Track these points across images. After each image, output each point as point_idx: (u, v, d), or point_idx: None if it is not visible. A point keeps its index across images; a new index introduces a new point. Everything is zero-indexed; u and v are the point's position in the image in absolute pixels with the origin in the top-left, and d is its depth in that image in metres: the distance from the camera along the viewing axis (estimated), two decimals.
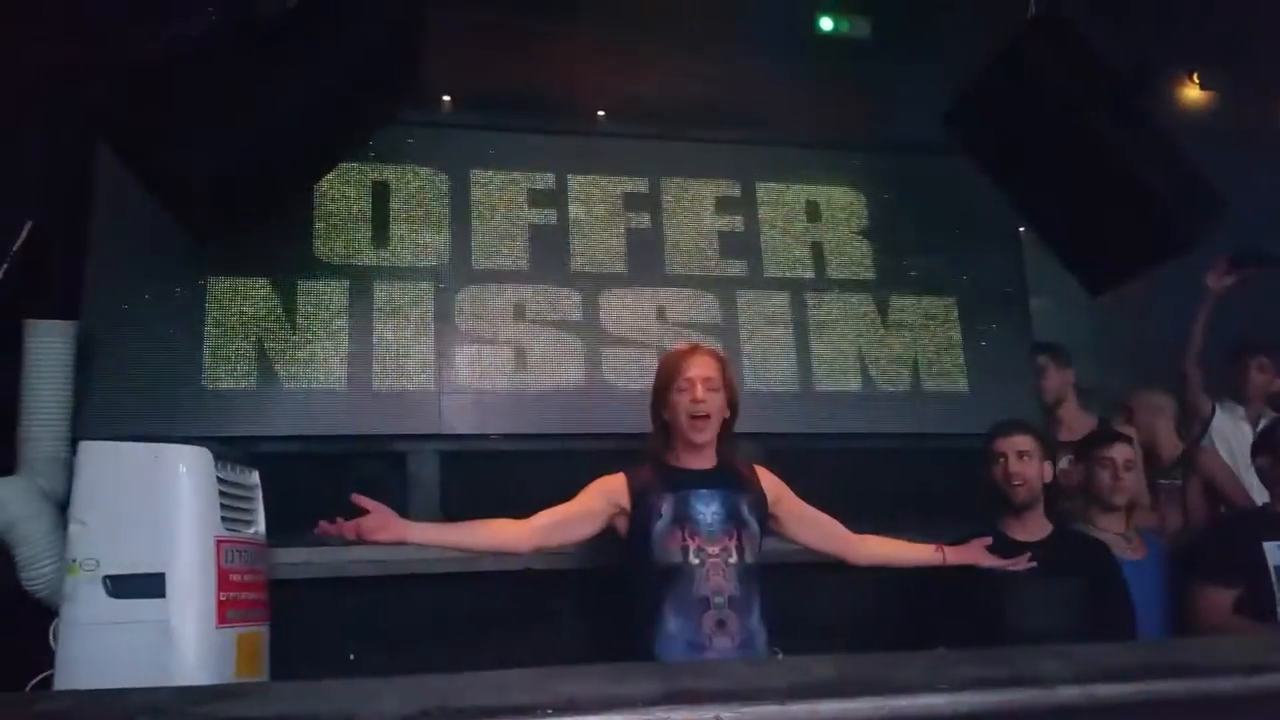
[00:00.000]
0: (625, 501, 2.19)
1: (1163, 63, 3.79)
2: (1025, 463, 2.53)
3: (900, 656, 1.22)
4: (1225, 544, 2.72)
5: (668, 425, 2.27)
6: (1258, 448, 2.87)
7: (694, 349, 2.32)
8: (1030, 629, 2.30)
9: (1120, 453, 2.76)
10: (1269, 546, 2.57)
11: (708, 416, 2.22)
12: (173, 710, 1.00)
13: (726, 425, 2.29)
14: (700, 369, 2.24)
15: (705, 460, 2.26)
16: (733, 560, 2.14)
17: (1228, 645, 1.48)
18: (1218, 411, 3.38)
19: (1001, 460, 2.54)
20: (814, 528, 2.34)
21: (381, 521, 1.94)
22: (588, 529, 2.19)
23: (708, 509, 2.17)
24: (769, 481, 2.32)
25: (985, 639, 2.23)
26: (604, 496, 2.20)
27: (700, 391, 2.22)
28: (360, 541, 1.94)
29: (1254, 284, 3.31)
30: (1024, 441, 2.55)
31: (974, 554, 2.42)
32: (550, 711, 1.00)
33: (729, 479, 2.25)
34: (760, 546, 2.22)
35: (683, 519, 2.15)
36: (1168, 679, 1.14)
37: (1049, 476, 2.59)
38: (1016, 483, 2.52)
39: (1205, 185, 2.76)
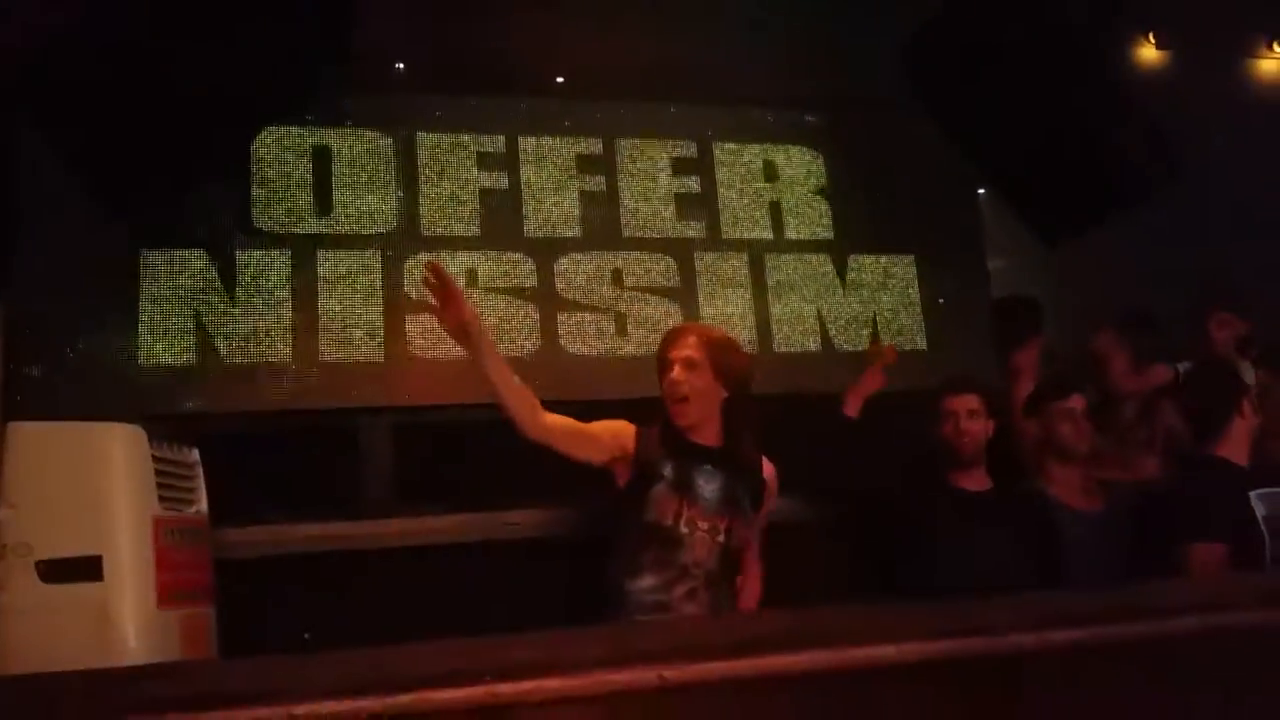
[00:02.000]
0: (630, 450, 2.19)
1: (1119, 21, 3.78)
2: (973, 420, 2.66)
3: (851, 608, 1.20)
4: (1206, 500, 2.73)
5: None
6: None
7: (681, 329, 2.33)
8: (974, 576, 2.35)
9: (1078, 402, 2.78)
10: (1255, 496, 2.56)
11: (686, 399, 2.19)
12: (90, 692, 0.95)
13: (731, 404, 2.25)
14: (679, 349, 2.22)
15: (710, 437, 2.24)
16: (720, 539, 2.16)
17: (1178, 588, 1.49)
18: (1185, 374, 3.35)
19: (952, 418, 2.65)
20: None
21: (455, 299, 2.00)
22: (590, 453, 2.18)
23: (709, 485, 2.18)
24: (771, 483, 2.33)
25: (931, 590, 2.33)
26: (613, 436, 2.20)
27: (677, 372, 2.19)
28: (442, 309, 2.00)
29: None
30: (973, 400, 2.67)
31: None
32: (490, 678, 0.96)
33: (734, 463, 2.24)
34: (746, 533, 2.24)
35: (684, 488, 2.15)
36: (1119, 623, 1.13)
37: (990, 433, 2.71)
38: (965, 439, 2.64)
39: (1159, 135, 2.76)
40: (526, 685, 0.93)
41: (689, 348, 2.21)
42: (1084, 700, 1.11)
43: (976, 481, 2.68)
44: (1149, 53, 4.05)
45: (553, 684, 0.94)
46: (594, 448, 2.17)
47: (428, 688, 0.91)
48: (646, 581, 2.09)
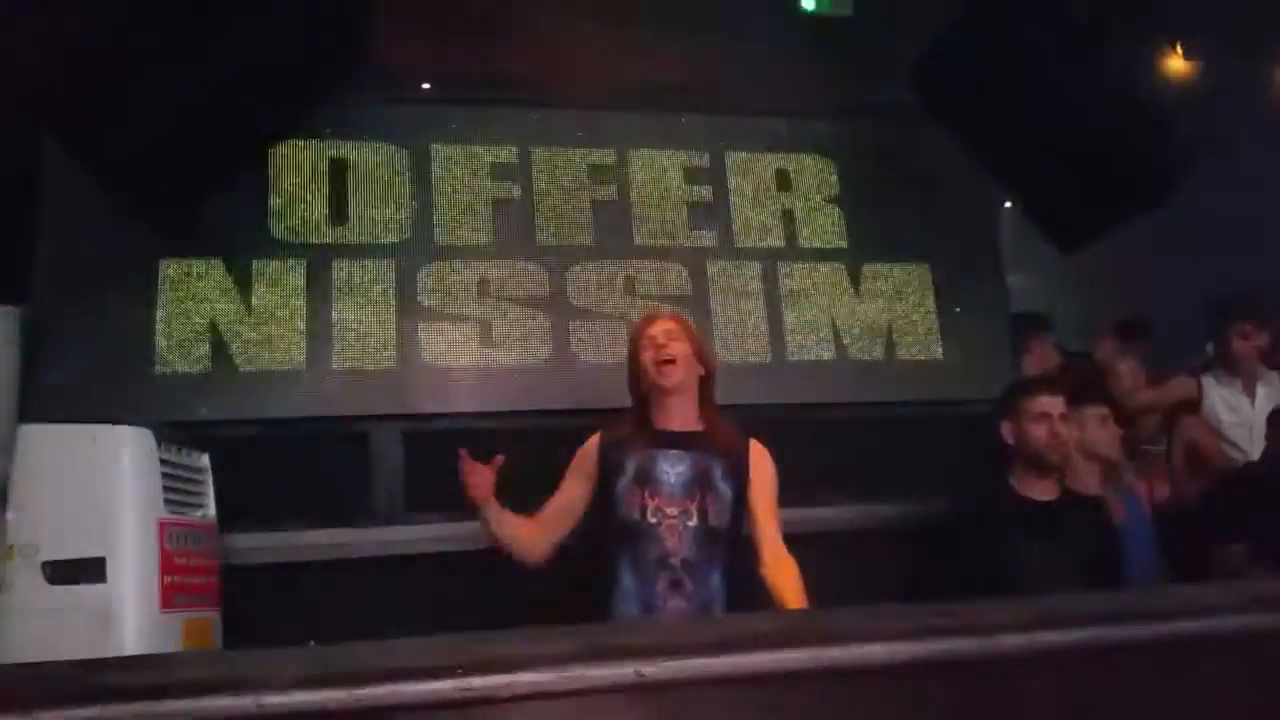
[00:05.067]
0: (595, 464, 2.18)
1: (1146, 30, 3.74)
2: (1065, 424, 2.46)
3: (842, 609, 1.16)
4: (1224, 503, 2.68)
5: (642, 394, 2.24)
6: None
7: (650, 315, 2.33)
8: (1040, 590, 2.20)
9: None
10: None
11: (673, 361, 2.19)
12: (71, 680, 0.95)
13: (705, 386, 2.25)
14: (658, 325, 2.25)
15: (685, 422, 2.20)
16: (692, 523, 2.09)
17: (1176, 593, 1.44)
18: (1209, 386, 3.26)
19: (1045, 421, 2.45)
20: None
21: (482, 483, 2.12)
22: (577, 499, 2.19)
23: (672, 469, 2.13)
24: (762, 463, 2.23)
25: None
26: (578, 476, 2.20)
27: (663, 340, 2.21)
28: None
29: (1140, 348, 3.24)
30: (1058, 403, 2.48)
31: None
32: (461, 672, 0.94)
33: (705, 442, 2.19)
34: (733, 512, 2.15)
35: (644, 478, 2.12)
36: (1114, 625, 1.09)
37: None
38: (1058, 442, 2.44)
39: (1175, 140, 2.71)
40: (499, 680, 0.91)
41: (670, 321, 2.26)
42: (1078, 703, 1.07)
43: (1046, 490, 2.48)
44: (1176, 63, 3.99)
45: (526, 679, 0.92)
46: (576, 494, 2.19)
47: (398, 680, 0.90)
48: (627, 582, 2.07)
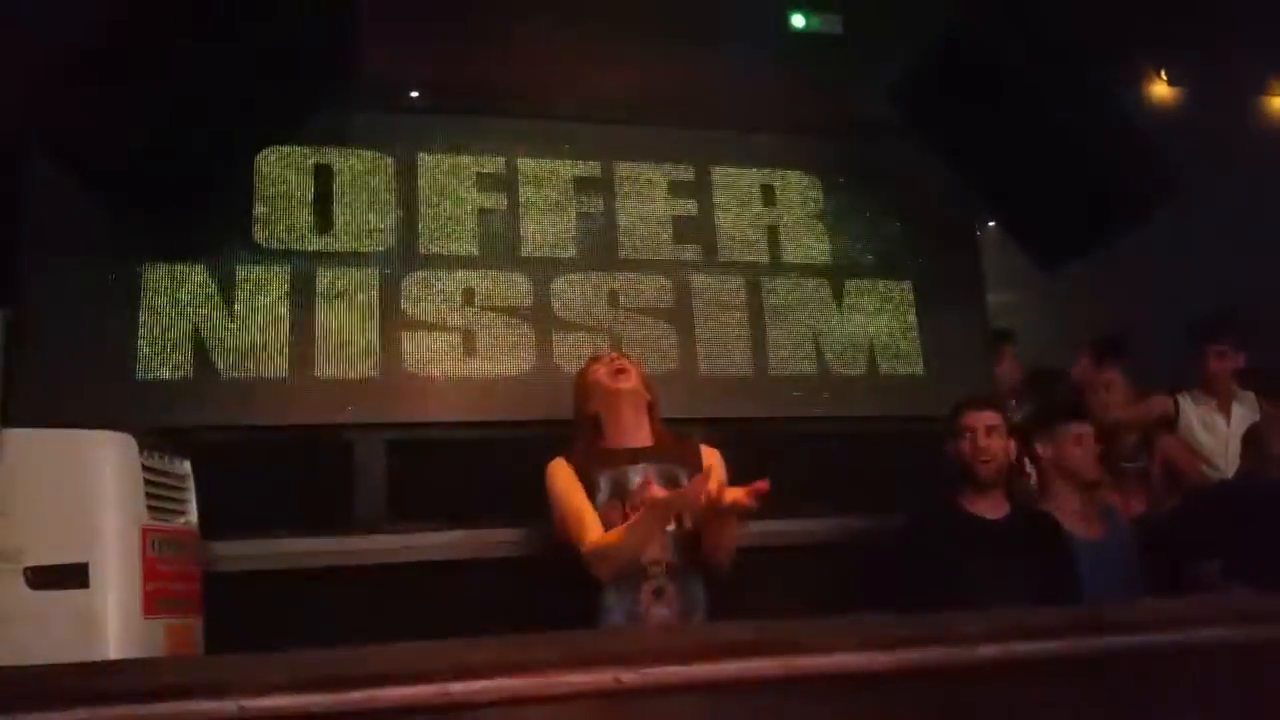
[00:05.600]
0: (574, 478, 2.23)
1: (1131, 56, 3.81)
2: (993, 438, 2.51)
3: (817, 620, 1.19)
4: (1197, 520, 2.73)
5: (593, 416, 2.32)
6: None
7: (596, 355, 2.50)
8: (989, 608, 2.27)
9: (1087, 427, 2.72)
10: None
11: (626, 371, 2.32)
12: (56, 682, 0.95)
13: (652, 410, 2.35)
14: (607, 354, 2.43)
15: (640, 439, 2.28)
16: (670, 528, 2.12)
17: (1149, 606, 1.47)
18: (1185, 406, 3.32)
19: (969, 435, 2.52)
20: None
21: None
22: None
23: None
24: (717, 465, 2.27)
25: None
26: (574, 486, 2.22)
27: (612, 357, 2.38)
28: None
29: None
30: (992, 417, 2.53)
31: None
32: (443, 677, 0.96)
33: (665, 452, 2.27)
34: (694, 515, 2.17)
35: (620, 492, 2.17)
36: (1087, 635, 1.12)
37: (1012, 454, 2.58)
38: (984, 458, 2.49)
39: (1156, 160, 2.77)
40: (479, 685, 0.92)
41: (617, 356, 2.41)
42: (1053, 714, 1.10)
43: (994, 507, 2.53)
44: (1160, 89, 4.07)
45: (507, 684, 0.93)
46: (586, 500, 2.22)
47: (380, 685, 0.91)
48: (610, 598, 2.09)
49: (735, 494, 2.03)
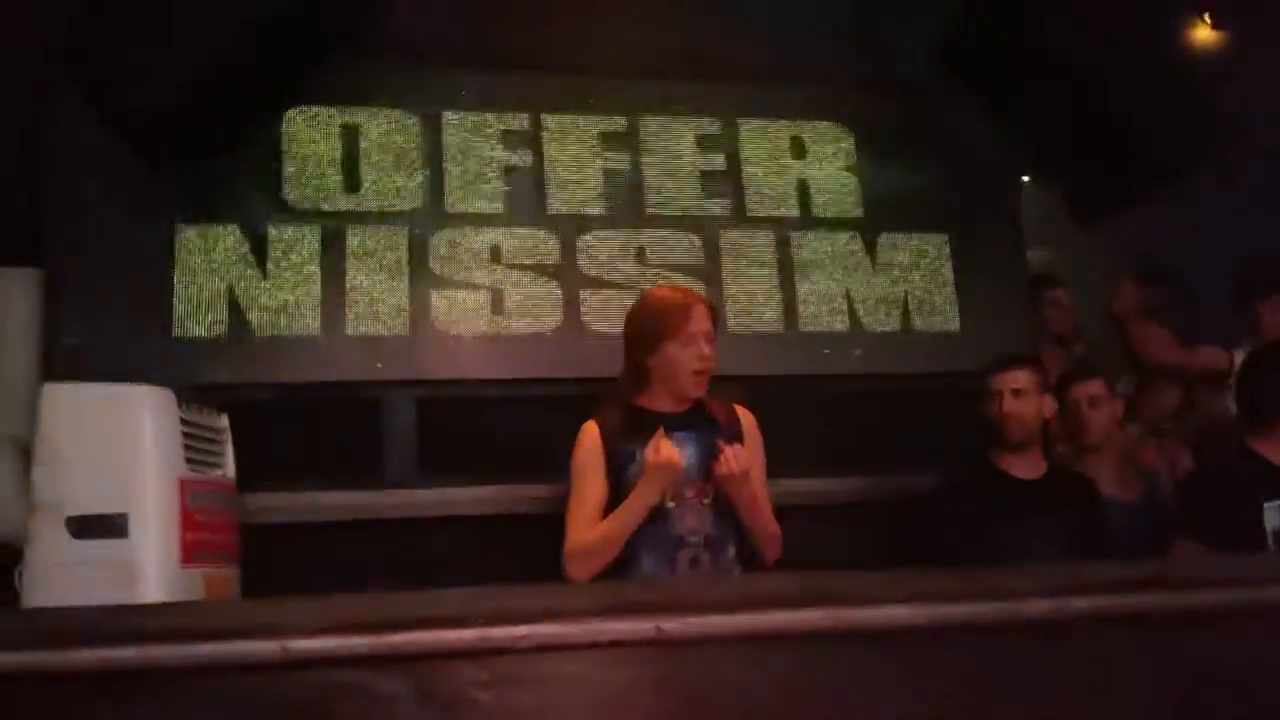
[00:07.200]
0: (602, 455, 2.15)
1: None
2: (1020, 400, 2.47)
3: (860, 572, 1.17)
4: (1201, 499, 2.63)
5: (647, 371, 2.20)
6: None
7: (693, 299, 2.23)
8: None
9: (1098, 387, 2.68)
10: (1269, 508, 2.36)
11: (708, 373, 2.18)
12: (104, 622, 0.97)
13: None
14: (703, 323, 2.18)
15: (679, 403, 2.21)
16: (708, 501, 2.11)
17: (1204, 562, 1.44)
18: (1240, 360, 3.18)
19: (997, 397, 2.49)
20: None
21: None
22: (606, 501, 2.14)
23: (683, 452, 2.09)
24: (753, 431, 2.26)
25: None
26: (595, 472, 2.14)
27: (705, 343, 2.16)
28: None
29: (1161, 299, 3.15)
30: (1019, 378, 2.49)
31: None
32: (483, 622, 0.96)
33: (705, 420, 2.20)
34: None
35: None
36: (1138, 592, 1.09)
37: (1048, 412, 2.53)
38: (1010, 420, 2.47)
39: (1201, 111, 2.67)
40: (519, 630, 0.92)
41: (709, 321, 2.20)
42: (1102, 668, 1.08)
43: (1028, 467, 2.50)
44: (1204, 32, 3.92)
45: (546, 630, 0.93)
46: (602, 490, 2.13)
47: (420, 628, 0.91)
48: (646, 562, 2.04)
49: (722, 468, 2.04)
